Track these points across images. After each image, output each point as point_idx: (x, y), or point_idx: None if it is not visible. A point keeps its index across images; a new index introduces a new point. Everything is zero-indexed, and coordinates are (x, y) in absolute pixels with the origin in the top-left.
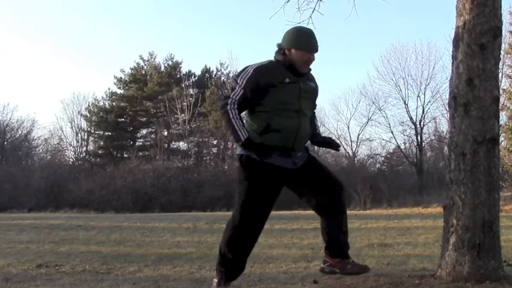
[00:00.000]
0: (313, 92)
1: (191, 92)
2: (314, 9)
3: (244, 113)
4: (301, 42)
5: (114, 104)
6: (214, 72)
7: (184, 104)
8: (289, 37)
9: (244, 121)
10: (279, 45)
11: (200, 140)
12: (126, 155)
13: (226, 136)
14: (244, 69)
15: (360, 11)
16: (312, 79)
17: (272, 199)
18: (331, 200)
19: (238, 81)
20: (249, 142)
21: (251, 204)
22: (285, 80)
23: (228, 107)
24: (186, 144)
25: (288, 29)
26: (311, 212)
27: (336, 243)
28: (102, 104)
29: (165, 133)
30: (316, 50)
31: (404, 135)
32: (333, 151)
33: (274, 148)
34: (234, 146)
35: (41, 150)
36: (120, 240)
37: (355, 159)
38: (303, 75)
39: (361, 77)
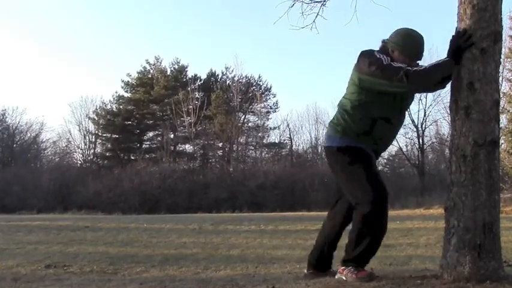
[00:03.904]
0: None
1: (197, 96)
2: (318, 14)
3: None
4: (408, 49)
5: (121, 107)
6: (220, 76)
7: (190, 107)
8: (398, 39)
9: (340, 114)
10: (384, 42)
11: (206, 142)
12: (133, 157)
13: (232, 138)
14: (372, 51)
15: (362, 16)
16: None
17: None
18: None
19: (384, 57)
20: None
21: (374, 176)
22: None
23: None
24: (191, 147)
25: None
26: (314, 214)
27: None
28: (109, 107)
29: (171, 136)
30: (419, 58)
31: (406, 137)
32: None
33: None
34: (322, 142)
35: (49, 153)
36: (127, 241)
37: None
38: None
39: None
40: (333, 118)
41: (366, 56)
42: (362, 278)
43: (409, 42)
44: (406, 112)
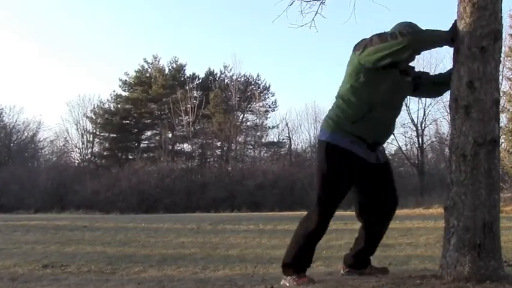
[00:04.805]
0: (409, 85)
1: (195, 95)
2: (317, 13)
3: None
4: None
5: (119, 106)
6: (218, 75)
7: (189, 106)
8: (397, 26)
9: (335, 105)
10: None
11: (204, 141)
12: (131, 157)
13: (230, 138)
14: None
15: (361, 14)
16: (409, 73)
17: (347, 190)
18: (383, 214)
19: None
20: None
21: (332, 194)
22: (397, 69)
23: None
24: (190, 146)
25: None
26: None
27: (365, 255)
28: (107, 106)
29: (170, 135)
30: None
31: (405, 137)
32: None
33: (363, 139)
34: (313, 135)
35: (46, 152)
36: (125, 241)
37: None
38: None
39: None
40: (329, 111)
41: (363, 40)
42: (303, 283)
43: (409, 28)
44: (404, 107)
